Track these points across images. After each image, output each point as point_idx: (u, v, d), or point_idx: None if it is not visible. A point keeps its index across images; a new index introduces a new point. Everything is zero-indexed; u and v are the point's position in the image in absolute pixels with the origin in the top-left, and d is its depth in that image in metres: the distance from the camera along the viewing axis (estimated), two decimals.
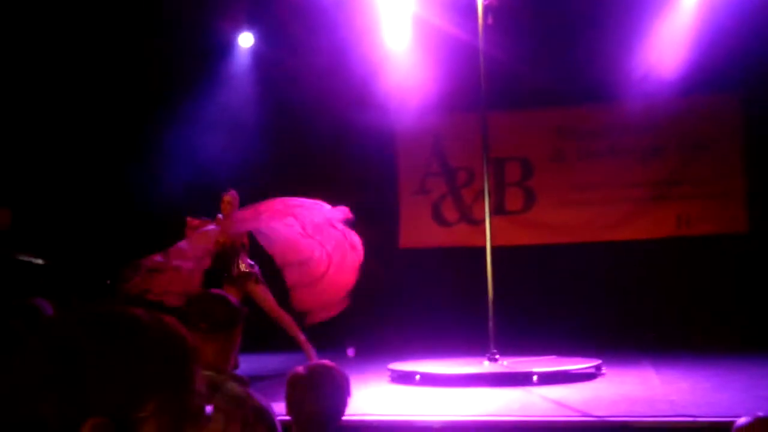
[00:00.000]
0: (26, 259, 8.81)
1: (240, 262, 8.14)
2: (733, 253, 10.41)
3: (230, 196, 8.33)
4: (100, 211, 10.86)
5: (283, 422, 3.09)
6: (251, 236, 8.35)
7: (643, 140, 10.88)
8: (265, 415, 3.10)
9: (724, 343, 9.22)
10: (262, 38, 11.14)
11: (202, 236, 8.05)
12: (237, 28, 11.02)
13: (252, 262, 8.20)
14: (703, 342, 9.37)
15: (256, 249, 8.45)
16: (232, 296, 7.42)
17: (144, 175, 10.35)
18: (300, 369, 3.06)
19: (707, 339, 9.52)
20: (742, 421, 2.76)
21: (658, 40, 10.17)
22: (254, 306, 7.97)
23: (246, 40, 11.09)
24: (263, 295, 8.11)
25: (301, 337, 8.05)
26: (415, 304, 10.38)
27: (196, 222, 8.19)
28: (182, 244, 7.94)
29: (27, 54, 10.20)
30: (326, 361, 3.16)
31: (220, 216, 8.28)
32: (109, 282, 8.87)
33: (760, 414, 2.81)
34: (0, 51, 10.00)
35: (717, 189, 10.63)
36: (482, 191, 8.09)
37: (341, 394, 3.04)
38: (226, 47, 11.17)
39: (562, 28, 10.45)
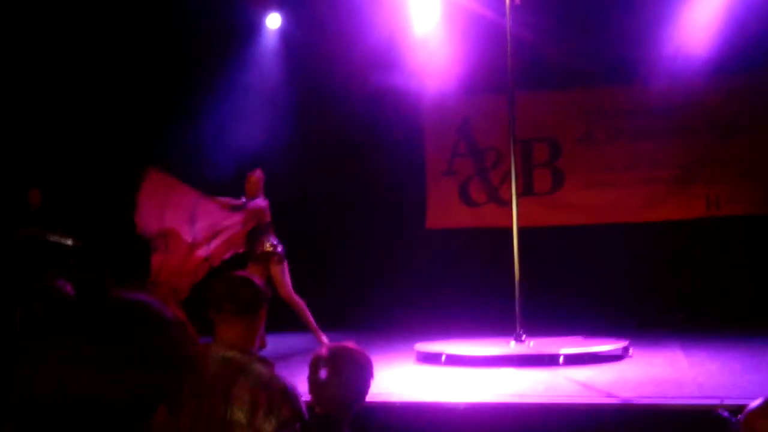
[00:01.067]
0: (56, 239, 8.90)
1: (266, 240, 8.18)
2: (764, 235, 10.32)
3: (256, 177, 8.35)
4: (130, 192, 10.94)
5: (307, 403, 3.12)
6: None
7: (674, 121, 10.77)
8: (290, 396, 3.13)
9: (754, 324, 9.14)
10: (290, 19, 11.14)
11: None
12: (264, 9, 11.02)
13: (277, 242, 8.24)
14: (732, 323, 9.29)
15: (281, 227, 8.50)
16: (257, 276, 7.50)
17: (172, 155, 10.41)
18: (322, 351, 3.08)
19: (737, 320, 9.44)
20: (755, 403, 2.74)
21: (689, 19, 10.04)
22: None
23: (273, 21, 11.09)
24: (281, 276, 8.15)
25: (313, 324, 8.10)
26: (442, 285, 10.40)
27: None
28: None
29: (56, 33, 10.28)
30: (349, 343, 3.17)
31: (243, 199, 8.31)
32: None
33: None
34: (30, 30, 10.09)
35: (749, 169, 10.51)
36: (510, 172, 8.06)
37: (364, 376, 3.04)
38: (253, 28, 11.18)
39: (591, 6, 10.35)
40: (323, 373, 3.00)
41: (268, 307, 3.45)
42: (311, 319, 8.15)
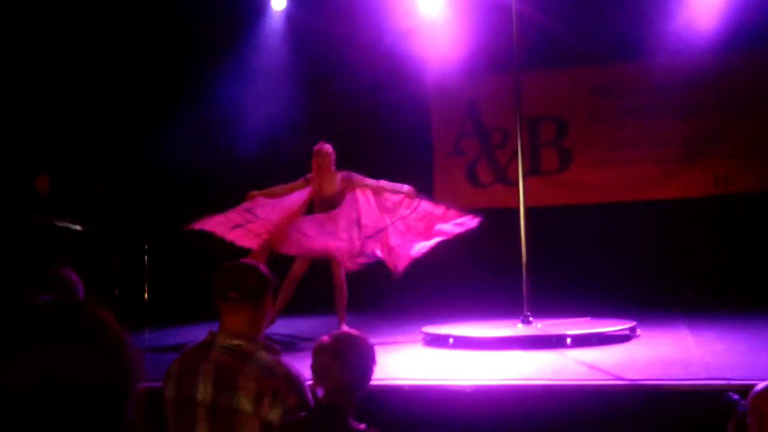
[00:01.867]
0: (64, 225, 8.94)
1: None
2: None
3: (328, 149, 7.95)
4: (137, 176, 10.96)
5: (313, 389, 3.13)
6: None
7: (681, 98, 10.72)
8: (296, 384, 3.15)
9: (763, 303, 9.13)
10: (295, 0, 11.09)
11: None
12: None
13: None
14: (741, 302, 9.28)
15: None
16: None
17: (178, 139, 10.42)
18: (325, 338, 3.09)
19: (745, 299, 9.42)
20: (761, 385, 2.75)
21: None
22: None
23: (279, 2, 11.05)
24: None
25: (343, 315, 7.92)
26: (449, 266, 10.38)
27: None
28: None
29: (63, 20, 10.27)
30: (351, 330, 3.19)
31: (309, 176, 7.98)
32: None
33: None
34: (37, 18, 10.08)
35: (757, 146, 10.48)
36: (517, 152, 8.03)
37: (366, 362, 3.07)
38: (259, 9, 11.14)
39: None
40: (325, 360, 3.02)
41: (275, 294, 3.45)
42: (343, 310, 7.96)
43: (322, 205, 7.87)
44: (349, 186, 7.88)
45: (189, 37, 10.82)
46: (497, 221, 10.52)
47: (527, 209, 7.83)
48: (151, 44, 10.84)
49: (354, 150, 11.11)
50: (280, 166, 8.75)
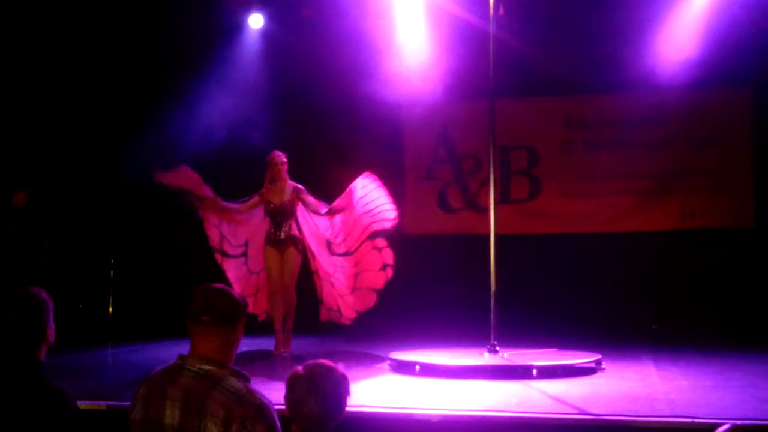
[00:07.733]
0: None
1: (291, 225, 8.21)
2: (738, 248, 10.41)
3: (283, 159, 8.33)
4: (104, 190, 10.86)
5: (282, 415, 3.10)
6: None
7: (652, 132, 10.87)
8: (265, 412, 3.11)
9: (728, 339, 9.22)
10: (272, 19, 11.09)
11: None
12: (247, 9, 10.97)
13: (299, 235, 8.27)
14: (706, 337, 9.36)
15: None
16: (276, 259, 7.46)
17: (150, 154, 10.35)
18: (299, 369, 3.07)
19: (710, 334, 9.51)
20: (722, 429, 2.77)
21: (670, 33, 10.13)
22: None
23: (256, 21, 11.05)
24: (294, 264, 8.18)
25: (279, 327, 8.12)
26: (418, 291, 10.38)
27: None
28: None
29: (36, 33, 10.19)
30: (325, 361, 3.16)
31: (262, 191, 8.33)
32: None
33: (738, 423, 2.82)
34: (11, 31, 10.00)
35: (724, 183, 10.62)
36: (488, 179, 8.05)
37: (340, 394, 3.04)
38: (236, 28, 11.12)
39: (573, 16, 10.41)
40: (300, 391, 3.00)
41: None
42: (286, 322, 8.14)
43: (272, 214, 8.23)
44: (297, 198, 8.26)
45: (164, 54, 10.76)
46: (465, 247, 10.57)
47: (496, 236, 7.83)
48: (124, 61, 10.77)
49: (324, 172, 11.13)
50: (250, 184, 8.70)
